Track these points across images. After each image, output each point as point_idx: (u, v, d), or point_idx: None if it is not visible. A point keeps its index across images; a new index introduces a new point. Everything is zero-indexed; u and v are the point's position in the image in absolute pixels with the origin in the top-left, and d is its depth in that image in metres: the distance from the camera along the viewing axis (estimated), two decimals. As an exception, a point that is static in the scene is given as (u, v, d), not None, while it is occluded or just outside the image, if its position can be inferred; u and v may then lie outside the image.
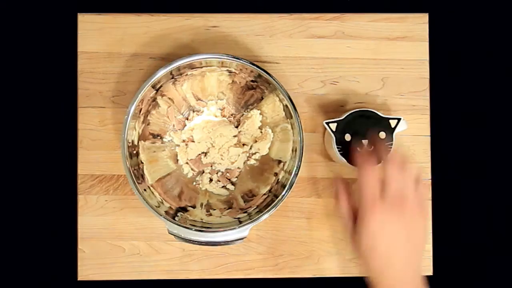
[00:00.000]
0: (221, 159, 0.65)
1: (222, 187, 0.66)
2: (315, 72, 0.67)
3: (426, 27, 0.67)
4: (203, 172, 0.66)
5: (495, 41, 0.71)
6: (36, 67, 0.68)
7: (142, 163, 0.61)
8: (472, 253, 0.70)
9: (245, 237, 0.58)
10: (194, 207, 0.63)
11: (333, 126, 0.60)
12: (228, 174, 0.66)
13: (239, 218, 0.60)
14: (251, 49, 0.66)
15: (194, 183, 0.66)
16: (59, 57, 0.67)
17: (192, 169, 0.66)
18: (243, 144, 0.66)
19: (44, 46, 0.68)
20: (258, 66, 0.58)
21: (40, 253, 0.67)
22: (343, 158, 0.61)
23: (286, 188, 0.58)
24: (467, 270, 0.69)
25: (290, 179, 0.59)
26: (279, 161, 0.63)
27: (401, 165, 0.55)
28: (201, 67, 0.61)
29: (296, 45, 0.67)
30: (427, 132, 0.67)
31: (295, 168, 0.58)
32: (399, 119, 0.61)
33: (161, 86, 0.61)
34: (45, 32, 0.68)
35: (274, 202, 0.58)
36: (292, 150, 0.61)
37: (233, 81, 0.64)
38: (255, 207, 0.61)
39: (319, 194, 0.67)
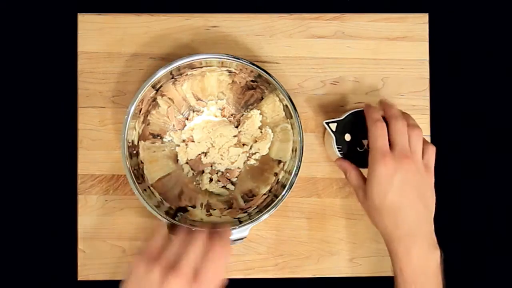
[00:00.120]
0: (221, 159, 0.65)
1: (222, 187, 0.66)
2: (315, 72, 0.67)
3: (426, 27, 0.67)
4: (203, 172, 0.66)
5: (495, 41, 0.71)
6: (36, 67, 0.68)
7: (142, 163, 0.61)
8: (472, 253, 0.70)
9: (245, 237, 0.58)
10: (194, 207, 0.63)
11: (333, 126, 0.60)
12: (228, 174, 0.66)
13: (239, 218, 0.60)
14: (251, 49, 0.66)
15: (194, 183, 0.66)
16: (59, 57, 0.67)
17: (192, 169, 0.66)
18: (243, 144, 0.66)
19: (44, 46, 0.68)
20: (258, 66, 0.58)
21: (40, 253, 0.67)
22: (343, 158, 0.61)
23: (286, 188, 0.58)
24: (467, 270, 0.69)
25: (290, 179, 0.59)
26: (279, 161, 0.63)
27: (410, 123, 0.56)
28: (201, 67, 0.61)
29: (296, 45, 0.67)
30: (427, 132, 0.67)
31: (295, 168, 0.59)
32: None
33: (161, 86, 0.61)
34: (45, 32, 0.68)
35: (274, 202, 0.58)
36: (292, 150, 0.61)
37: (233, 81, 0.64)
38: (255, 207, 0.61)
39: (319, 194, 0.67)
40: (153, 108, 0.63)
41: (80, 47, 0.66)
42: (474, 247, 0.70)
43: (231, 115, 0.66)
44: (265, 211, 0.58)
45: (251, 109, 0.65)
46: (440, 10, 0.69)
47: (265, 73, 0.58)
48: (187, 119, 0.66)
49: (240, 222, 0.58)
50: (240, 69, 0.61)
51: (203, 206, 0.63)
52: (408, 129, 0.55)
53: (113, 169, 0.66)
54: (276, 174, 0.63)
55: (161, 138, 0.65)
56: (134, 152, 0.60)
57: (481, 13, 0.71)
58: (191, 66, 0.60)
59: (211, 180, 0.66)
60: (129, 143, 0.59)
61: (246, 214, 0.60)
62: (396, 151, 0.54)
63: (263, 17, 0.67)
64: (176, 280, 0.45)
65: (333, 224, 0.67)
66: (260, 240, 0.66)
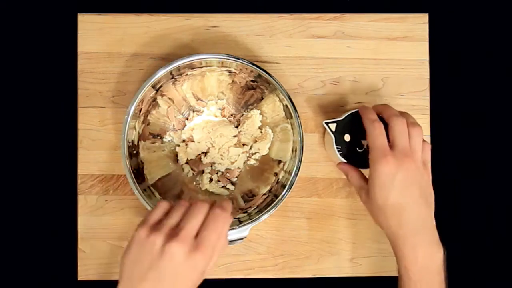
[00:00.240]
0: (221, 159, 0.65)
1: (222, 187, 0.66)
2: (315, 72, 0.67)
3: (426, 27, 0.67)
4: (203, 172, 0.66)
5: (495, 41, 0.71)
6: (36, 67, 0.68)
7: (142, 163, 0.61)
8: (472, 253, 0.70)
9: (245, 237, 0.58)
10: (194, 207, 0.63)
11: (333, 126, 0.60)
12: (228, 174, 0.66)
13: (239, 218, 0.60)
14: (251, 49, 0.66)
15: (194, 183, 0.66)
16: (59, 57, 0.67)
17: (192, 169, 0.66)
18: (243, 144, 0.66)
19: (44, 46, 0.68)
20: (258, 66, 0.58)
21: (40, 253, 0.67)
22: (343, 158, 0.61)
23: (286, 188, 0.58)
24: (467, 270, 0.69)
25: (290, 179, 0.59)
26: (279, 161, 0.63)
27: (409, 123, 0.56)
28: (201, 67, 0.61)
29: (296, 45, 0.67)
30: (427, 132, 0.67)
31: (295, 168, 0.59)
32: None
33: (161, 86, 0.61)
34: (45, 32, 0.68)
35: (274, 202, 0.58)
36: (292, 150, 0.61)
37: (233, 81, 0.64)
38: (255, 207, 0.61)
39: (319, 194, 0.67)
40: (153, 108, 0.63)
41: (80, 47, 0.66)
42: (474, 247, 0.70)
43: (231, 115, 0.66)
44: (265, 211, 0.58)
45: (251, 109, 0.65)
46: (440, 10, 0.69)
47: (265, 73, 0.58)
48: (187, 119, 0.66)
49: (240, 222, 0.58)
50: (240, 69, 0.61)
51: (203, 206, 0.63)
52: (408, 127, 0.55)
53: (113, 169, 0.66)
54: (276, 174, 0.63)
55: (161, 138, 0.65)
56: (134, 152, 0.60)
57: (481, 13, 0.71)
58: (191, 66, 0.60)
59: (211, 180, 0.66)
60: (129, 143, 0.59)
61: (246, 214, 0.60)
62: (397, 150, 0.54)
63: (263, 17, 0.67)
64: (177, 246, 0.44)
65: (333, 224, 0.67)
66: (260, 240, 0.66)
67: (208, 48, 0.66)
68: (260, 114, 0.65)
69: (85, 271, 0.65)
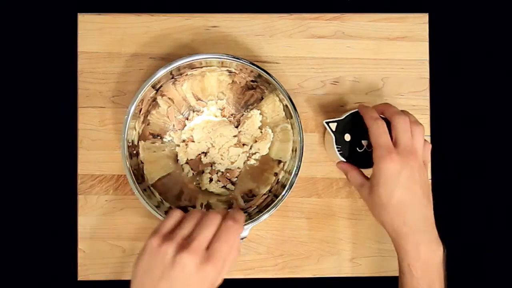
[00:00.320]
0: (221, 159, 0.65)
1: (222, 187, 0.66)
2: (315, 72, 0.67)
3: (426, 27, 0.67)
4: (203, 172, 0.66)
5: (495, 41, 0.71)
6: (36, 67, 0.68)
7: (142, 163, 0.61)
8: (472, 253, 0.70)
9: (245, 237, 0.58)
10: (194, 207, 0.63)
11: (333, 126, 0.60)
12: (228, 174, 0.66)
13: (239, 218, 0.60)
14: (251, 49, 0.66)
15: (194, 183, 0.66)
16: (59, 57, 0.67)
17: (192, 169, 0.66)
18: (243, 144, 0.66)
19: (44, 46, 0.68)
20: (258, 66, 0.58)
21: (40, 253, 0.67)
22: (343, 158, 0.61)
23: (286, 188, 0.58)
24: (467, 270, 0.69)
25: (290, 179, 0.59)
26: (279, 161, 0.63)
27: (412, 122, 0.56)
28: (201, 67, 0.61)
29: (296, 45, 0.67)
30: (427, 132, 0.67)
31: (295, 168, 0.59)
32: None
33: (161, 86, 0.61)
34: (45, 32, 0.68)
35: (274, 202, 0.58)
36: (292, 150, 0.61)
37: (233, 81, 0.64)
38: (255, 207, 0.61)
39: (319, 194, 0.67)
40: (153, 108, 0.63)
41: (80, 47, 0.66)
42: (474, 247, 0.70)
43: (231, 115, 0.66)
44: (265, 211, 0.58)
45: (251, 109, 0.65)
46: (440, 10, 0.69)
47: (265, 73, 0.58)
48: (187, 119, 0.66)
49: (240, 222, 0.58)
50: (240, 69, 0.61)
51: (203, 206, 0.63)
52: (410, 125, 0.55)
53: (113, 169, 0.66)
54: (276, 174, 0.63)
55: (161, 138, 0.65)
56: (134, 152, 0.60)
57: (481, 13, 0.71)
58: (191, 66, 0.60)
59: (211, 180, 0.66)
60: (129, 143, 0.59)
61: (246, 214, 0.60)
62: (401, 148, 0.54)
63: (263, 17, 0.67)
64: (189, 257, 0.44)
65: (333, 224, 0.67)
66: (260, 240, 0.66)
67: (208, 48, 0.66)
68: (260, 114, 0.65)
69: (85, 271, 0.65)
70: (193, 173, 0.66)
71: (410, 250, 0.53)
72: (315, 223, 0.67)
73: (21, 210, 0.67)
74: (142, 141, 0.62)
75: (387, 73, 0.67)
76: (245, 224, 0.57)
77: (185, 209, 0.61)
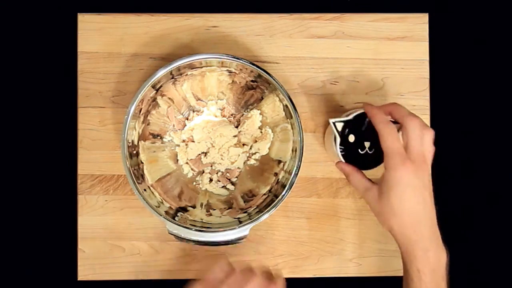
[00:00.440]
0: (221, 159, 0.65)
1: (222, 187, 0.66)
2: (315, 72, 0.67)
3: (426, 27, 0.67)
4: (203, 172, 0.66)
5: (495, 41, 0.71)
6: (36, 67, 0.68)
7: (142, 163, 0.61)
8: (472, 253, 0.70)
9: (245, 237, 0.58)
10: (194, 207, 0.63)
11: (339, 125, 0.59)
12: (228, 174, 0.66)
13: (239, 218, 0.60)
14: (251, 49, 0.66)
15: (194, 183, 0.66)
16: (59, 57, 0.67)
17: (192, 169, 0.66)
18: (243, 144, 0.66)
19: (44, 46, 0.68)
20: (258, 66, 0.58)
21: (40, 253, 0.67)
22: (343, 159, 0.61)
23: (286, 188, 0.58)
24: (467, 270, 0.69)
25: (290, 179, 0.59)
26: (279, 161, 0.63)
27: (422, 126, 0.54)
28: (201, 67, 0.61)
29: (296, 45, 0.67)
30: (427, 132, 0.67)
31: (295, 168, 0.58)
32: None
33: (161, 86, 0.61)
34: (45, 32, 0.68)
35: (274, 202, 0.58)
36: (292, 150, 0.61)
37: (233, 81, 0.64)
38: (255, 207, 0.61)
39: (319, 194, 0.67)
40: (153, 108, 0.63)
41: (80, 47, 0.66)
42: (474, 247, 0.70)
43: (231, 115, 0.66)
44: (265, 211, 0.58)
45: (251, 109, 0.65)
46: (440, 10, 0.69)
47: (265, 73, 0.58)
48: (187, 119, 0.66)
49: (240, 222, 0.58)
50: (240, 69, 0.61)
51: (203, 206, 0.63)
52: (422, 131, 0.54)
53: (113, 169, 0.66)
54: (276, 174, 0.63)
55: (161, 138, 0.65)
56: (134, 152, 0.60)
57: (481, 13, 0.71)
58: (191, 66, 0.60)
59: (211, 180, 0.66)
60: (129, 143, 0.59)
61: (246, 214, 0.60)
62: (413, 154, 0.53)
63: (263, 17, 0.67)
64: None
65: (333, 224, 0.67)
66: (260, 240, 0.66)
67: (208, 48, 0.66)
68: (260, 114, 0.65)
69: (85, 271, 0.65)
70: (193, 173, 0.66)
71: (420, 256, 0.53)
72: (315, 223, 0.67)
73: (21, 210, 0.67)
74: (142, 141, 0.62)
75: (387, 73, 0.67)
76: (245, 224, 0.57)
77: (185, 209, 0.61)
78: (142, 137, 0.62)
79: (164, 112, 0.64)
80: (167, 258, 0.66)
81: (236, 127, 0.66)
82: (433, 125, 0.67)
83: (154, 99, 0.62)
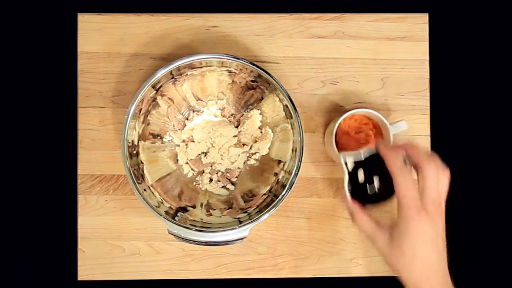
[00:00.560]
0: (221, 159, 0.65)
1: (222, 187, 0.66)
2: (315, 72, 0.67)
3: (426, 27, 0.67)
4: (203, 172, 0.66)
5: (495, 41, 0.71)
6: (36, 67, 0.68)
7: (142, 163, 0.61)
8: (472, 253, 0.70)
9: (245, 237, 0.58)
10: (194, 207, 0.63)
11: (350, 160, 0.55)
12: (228, 174, 0.66)
13: (239, 218, 0.60)
14: (251, 49, 0.66)
15: (194, 183, 0.66)
16: (59, 57, 0.67)
17: (192, 169, 0.66)
18: (243, 144, 0.66)
19: (44, 46, 0.68)
20: (258, 66, 0.58)
21: (40, 253, 0.67)
22: (350, 195, 0.58)
23: (286, 188, 0.58)
24: (467, 270, 0.69)
25: (290, 179, 0.59)
26: (279, 161, 0.63)
27: (439, 170, 0.52)
28: (201, 67, 0.61)
29: (296, 45, 0.67)
30: (427, 132, 0.67)
31: (295, 168, 0.58)
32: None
33: (161, 86, 0.61)
34: (45, 32, 0.68)
35: (274, 202, 0.58)
36: (292, 150, 0.61)
37: (233, 81, 0.64)
38: (255, 207, 0.61)
39: (319, 194, 0.67)
40: (153, 108, 0.63)
41: (80, 47, 0.66)
42: (474, 247, 0.70)
43: (231, 115, 0.66)
44: (265, 211, 0.58)
45: (251, 109, 0.65)
46: (440, 10, 0.69)
47: (265, 73, 0.58)
48: (187, 119, 0.66)
49: (240, 222, 0.58)
50: (240, 69, 0.61)
51: (203, 206, 0.63)
52: (440, 177, 0.52)
53: (113, 169, 0.66)
54: (276, 174, 0.63)
55: (161, 138, 0.65)
56: (134, 152, 0.60)
57: (481, 13, 0.71)
58: (191, 66, 0.60)
59: (211, 180, 0.66)
60: (129, 143, 0.59)
61: (246, 214, 0.60)
62: (429, 203, 0.51)
63: (263, 17, 0.67)
64: None
65: (333, 224, 0.67)
66: (260, 240, 0.66)
67: (208, 48, 0.66)
68: (260, 114, 0.65)
69: (85, 271, 0.65)
70: (193, 173, 0.66)
71: None
72: (315, 223, 0.67)
73: (21, 210, 0.67)
74: (142, 141, 0.62)
75: (387, 73, 0.67)
76: (245, 224, 0.57)
77: (185, 209, 0.61)
78: (142, 137, 0.62)
79: (164, 112, 0.64)
80: (167, 258, 0.66)
81: (236, 127, 0.66)
82: (433, 125, 0.67)
83: (154, 99, 0.62)
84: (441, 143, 0.68)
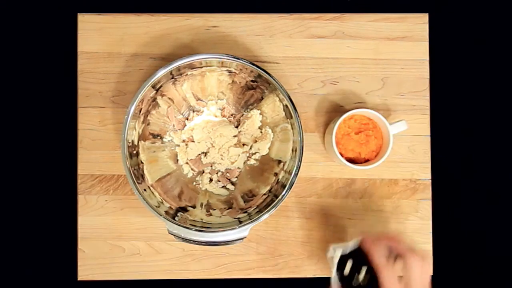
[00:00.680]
0: (221, 159, 0.65)
1: (222, 187, 0.66)
2: (315, 72, 0.67)
3: (426, 27, 0.67)
4: (203, 172, 0.66)
5: (495, 41, 0.71)
6: (36, 67, 0.68)
7: (142, 163, 0.61)
8: (472, 253, 0.70)
9: (245, 237, 0.58)
10: (194, 207, 0.63)
11: (338, 253, 0.57)
12: (228, 174, 0.66)
13: (239, 218, 0.60)
14: (251, 49, 0.66)
15: (194, 183, 0.66)
16: (59, 57, 0.67)
17: (192, 169, 0.66)
18: (243, 144, 0.66)
19: (44, 46, 0.68)
20: (258, 66, 0.58)
21: (40, 253, 0.67)
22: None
23: (286, 188, 0.58)
24: (467, 270, 0.69)
25: (290, 179, 0.59)
26: (279, 161, 0.63)
27: (422, 261, 0.53)
28: (201, 67, 0.61)
29: (296, 45, 0.67)
30: (427, 132, 0.67)
31: (295, 168, 0.58)
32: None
33: (161, 86, 0.61)
34: (45, 32, 0.68)
35: (274, 202, 0.58)
36: (292, 150, 0.61)
37: (233, 81, 0.64)
38: (255, 207, 0.61)
39: (319, 194, 0.67)
40: (153, 108, 0.63)
41: (80, 47, 0.66)
42: (474, 247, 0.70)
43: (231, 115, 0.66)
44: (265, 211, 0.58)
45: (251, 109, 0.65)
46: (440, 10, 0.69)
47: (265, 73, 0.58)
48: (187, 119, 0.66)
49: (240, 222, 0.58)
50: (240, 69, 0.61)
51: (203, 206, 0.63)
52: (422, 269, 0.53)
53: (113, 169, 0.66)
54: (276, 174, 0.63)
55: (161, 138, 0.65)
56: (134, 152, 0.60)
57: (481, 13, 0.71)
58: (191, 66, 0.60)
59: (211, 180, 0.66)
60: (129, 143, 0.59)
61: (246, 214, 0.60)
62: None
63: (263, 17, 0.67)
64: None
65: (333, 224, 0.67)
66: (260, 240, 0.66)
67: (208, 48, 0.66)
68: (260, 114, 0.65)
69: (85, 271, 0.65)
70: (193, 173, 0.66)
71: None
72: (315, 223, 0.67)
73: (21, 210, 0.67)
74: (142, 141, 0.62)
75: (387, 73, 0.67)
76: (245, 224, 0.57)
77: (185, 209, 0.61)
78: (142, 137, 0.62)
79: (164, 112, 0.64)
80: (167, 258, 0.66)
81: (236, 127, 0.66)
82: (433, 125, 0.67)
83: (154, 99, 0.62)
84: (441, 143, 0.68)
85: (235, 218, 0.60)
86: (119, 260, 0.65)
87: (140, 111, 0.60)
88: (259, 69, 0.58)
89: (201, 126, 0.66)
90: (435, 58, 0.68)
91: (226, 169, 0.66)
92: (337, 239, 0.67)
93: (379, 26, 0.67)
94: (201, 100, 0.66)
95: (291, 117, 0.59)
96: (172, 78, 0.61)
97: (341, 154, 0.62)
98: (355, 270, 0.56)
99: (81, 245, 0.65)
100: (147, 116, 0.62)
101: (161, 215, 0.57)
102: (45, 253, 0.67)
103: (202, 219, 0.60)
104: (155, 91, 0.61)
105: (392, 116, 0.66)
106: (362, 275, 0.56)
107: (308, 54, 0.67)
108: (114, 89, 0.66)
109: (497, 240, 0.70)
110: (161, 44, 0.66)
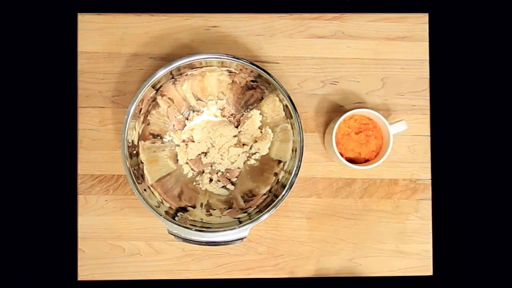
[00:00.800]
0: (221, 159, 0.65)
1: (222, 187, 0.66)
2: (315, 72, 0.67)
3: (426, 27, 0.67)
4: (203, 172, 0.66)
5: (495, 41, 0.71)
6: (36, 67, 0.68)
7: (142, 163, 0.61)
8: (472, 253, 0.70)
9: (245, 237, 0.58)
10: (194, 207, 0.63)
11: None
12: (228, 174, 0.66)
13: (239, 218, 0.60)
14: (251, 49, 0.66)
15: (194, 183, 0.66)
16: (59, 57, 0.67)
17: (192, 169, 0.66)
18: (243, 144, 0.66)
19: (44, 46, 0.68)
20: (258, 66, 0.58)
21: (40, 253, 0.67)
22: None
23: (286, 188, 0.58)
24: (467, 270, 0.69)
25: (290, 179, 0.59)
26: (279, 161, 0.63)
27: None
28: (201, 67, 0.61)
29: (296, 45, 0.67)
30: (427, 132, 0.67)
31: (295, 168, 0.59)
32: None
33: (161, 86, 0.61)
34: (45, 32, 0.68)
35: (274, 202, 0.58)
36: (292, 150, 0.61)
37: (233, 81, 0.64)
38: (255, 207, 0.61)
39: (319, 194, 0.67)
40: (153, 108, 0.63)
41: (80, 47, 0.66)
42: (473, 247, 0.70)
43: (231, 115, 0.66)
44: (265, 211, 0.58)
45: (251, 109, 0.65)
46: (440, 10, 0.69)
47: (265, 73, 0.58)
48: (187, 119, 0.66)
49: (240, 222, 0.58)
50: (240, 69, 0.61)
51: (203, 206, 0.63)
52: None
53: (113, 169, 0.66)
54: (276, 174, 0.63)
55: (161, 138, 0.65)
56: (134, 152, 0.60)
57: (481, 13, 0.71)
58: (191, 66, 0.60)
59: (211, 180, 0.66)
60: (129, 143, 0.59)
61: (246, 214, 0.60)
62: None
63: (263, 17, 0.67)
64: None
65: (333, 224, 0.67)
66: (260, 240, 0.66)
67: (208, 48, 0.66)
68: (260, 114, 0.65)
69: (85, 271, 0.65)
70: (193, 173, 0.66)
71: None
72: (315, 223, 0.67)
73: (21, 210, 0.67)
74: (142, 141, 0.62)
75: (387, 73, 0.67)
76: (245, 224, 0.57)
77: (185, 209, 0.61)
78: (142, 137, 0.62)
79: (164, 112, 0.64)
80: (167, 258, 0.66)
81: (236, 127, 0.66)
82: (433, 125, 0.67)
83: (154, 99, 0.62)
84: (441, 143, 0.68)
85: (235, 218, 0.60)
86: (119, 260, 0.65)
87: (140, 111, 0.60)
88: (259, 69, 0.58)
89: (201, 126, 0.66)
90: (435, 58, 0.68)
91: (226, 169, 0.66)
92: (337, 239, 0.67)
93: (379, 26, 0.67)
94: (201, 100, 0.66)
95: (291, 117, 0.59)
96: (172, 78, 0.61)
97: (341, 154, 0.62)
98: None
99: (81, 245, 0.65)
100: (147, 116, 0.62)
101: (161, 215, 0.57)
102: (45, 253, 0.67)
103: (202, 219, 0.60)
104: (155, 91, 0.61)
105: (392, 116, 0.66)
106: None
107: (308, 54, 0.67)
108: (114, 89, 0.66)
109: (497, 240, 0.70)
110: (161, 44, 0.66)
